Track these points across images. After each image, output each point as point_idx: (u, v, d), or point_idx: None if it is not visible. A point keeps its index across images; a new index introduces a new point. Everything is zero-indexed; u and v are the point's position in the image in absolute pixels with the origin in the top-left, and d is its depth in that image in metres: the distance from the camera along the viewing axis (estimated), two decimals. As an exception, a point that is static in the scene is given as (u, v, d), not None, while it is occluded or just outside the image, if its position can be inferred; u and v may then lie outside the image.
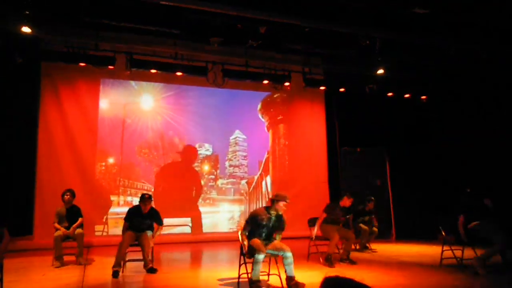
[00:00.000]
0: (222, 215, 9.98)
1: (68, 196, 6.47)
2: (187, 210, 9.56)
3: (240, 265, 4.99)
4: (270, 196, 10.26)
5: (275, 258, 5.12)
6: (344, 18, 7.00)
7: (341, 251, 6.69)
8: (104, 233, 8.76)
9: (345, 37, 7.71)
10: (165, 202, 9.06)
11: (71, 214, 6.47)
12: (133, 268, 5.97)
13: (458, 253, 6.14)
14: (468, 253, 6.09)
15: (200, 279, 5.71)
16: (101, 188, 8.94)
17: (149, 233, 5.98)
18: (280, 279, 5.00)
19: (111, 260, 5.61)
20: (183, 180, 9.74)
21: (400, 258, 7.15)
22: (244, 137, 10.38)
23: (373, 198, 8.14)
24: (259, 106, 10.58)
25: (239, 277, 4.97)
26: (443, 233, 6.37)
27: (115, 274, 5.44)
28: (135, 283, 5.37)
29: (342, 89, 9.68)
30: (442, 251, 6.26)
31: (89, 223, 8.44)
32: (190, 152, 9.85)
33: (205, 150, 10.03)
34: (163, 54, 8.30)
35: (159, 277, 5.60)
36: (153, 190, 9.22)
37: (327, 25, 7.11)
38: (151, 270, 5.78)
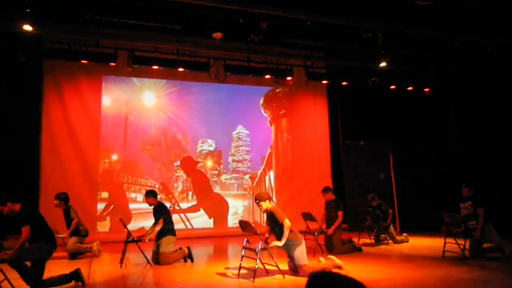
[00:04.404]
0: (226, 210, 10.00)
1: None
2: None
3: (242, 258, 5.36)
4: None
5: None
6: (346, 11, 6.96)
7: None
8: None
9: (347, 30, 7.66)
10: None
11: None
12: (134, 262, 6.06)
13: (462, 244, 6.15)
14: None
15: (201, 273, 5.76)
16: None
17: (162, 246, 6.11)
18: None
19: (116, 256, 5.67)
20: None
21: (404, 251, 7.17)
22: (247, 132, 10.38)
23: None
24: (261, 101, 10.57)
25: (239, 268, 5.34)
26: (447, 225, 6.38)
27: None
28: (138, 277, 5.41)
29: (344, 83, 9.64)
30: (445, 243, 6.28)
31: (91, 220, 8.51)
32: (188, 163, 9.88)
33: (208, 145, 10.04)
34: (164, 50, 8.29)
35: (161, 272, 5.65)
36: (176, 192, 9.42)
37: (329, 18, 7.07)
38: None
